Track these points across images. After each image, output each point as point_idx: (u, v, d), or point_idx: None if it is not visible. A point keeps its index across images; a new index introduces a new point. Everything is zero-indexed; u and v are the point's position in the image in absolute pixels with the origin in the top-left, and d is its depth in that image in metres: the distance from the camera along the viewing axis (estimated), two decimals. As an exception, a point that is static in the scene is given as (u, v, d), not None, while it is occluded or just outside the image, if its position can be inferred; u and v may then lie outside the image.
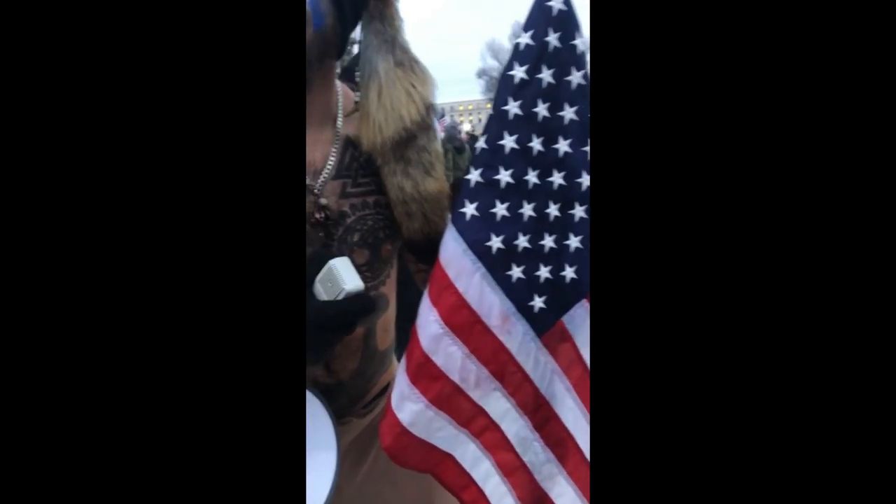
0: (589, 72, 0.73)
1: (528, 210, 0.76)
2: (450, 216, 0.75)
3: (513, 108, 0.72)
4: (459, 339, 0.76)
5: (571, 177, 0.76)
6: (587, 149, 0.75)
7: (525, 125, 0.73)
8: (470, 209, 0.73)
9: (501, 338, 0.78)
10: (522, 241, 0.76)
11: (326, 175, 0.77)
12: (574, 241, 0.78)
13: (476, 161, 0.73)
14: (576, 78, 0.74)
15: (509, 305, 0.77)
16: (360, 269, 0.76)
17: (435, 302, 0.75)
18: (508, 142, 0.73)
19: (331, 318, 0.68)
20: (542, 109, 0.73)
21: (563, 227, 0.78)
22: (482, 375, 0.78)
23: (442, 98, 0.84)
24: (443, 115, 10.62)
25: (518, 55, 0.72)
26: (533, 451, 0.83)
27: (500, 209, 0.74)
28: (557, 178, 0.76)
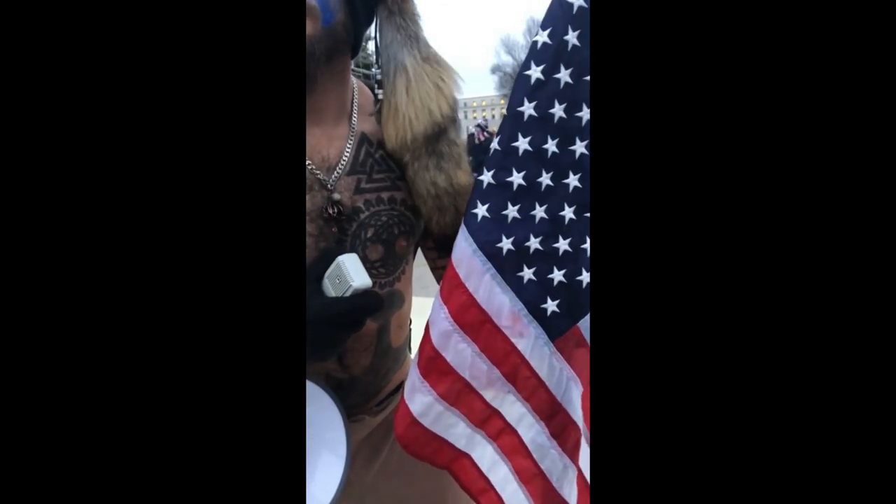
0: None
1: (540, 212, 0.75)
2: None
3: (528, 109, 0.71)
4: (469, 336, 0.77)
5: (587, 179, 0.75)
6: None
7: (540, 127, 0.72)
8: (481, 210, 0.73)
9: (513, 339, 0.78)
10: (534, 243, 0.75)
11: (340, 170, 0.77)
12: (590, 245, 0.76)
13: (489, 162, 0.73)
14: (595, 78, 0.71)
15: (521, 307, 0.77)
16: (374, 265, 0.78)
17: (446, 299, 0.77)
18: (522, 143, 0.72)
19: (338, 316, 0.68)
20: (558, 110, 0.72)
21: (579, 230, 0.76)
22: (494, 376, 0.79)
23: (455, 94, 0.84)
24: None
25: (535, 54, 0.70)
26: (550, 458, 0.82)
27: (512, 211, 0.74)
28: (573, 181, 0.75)
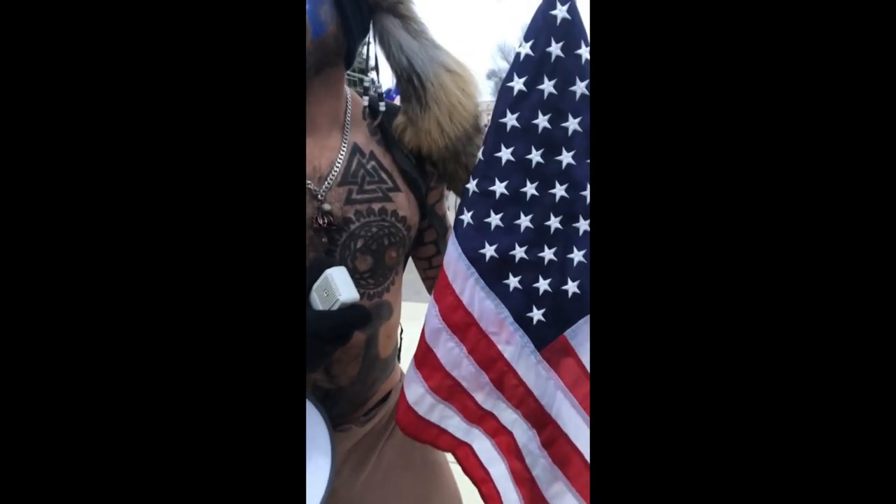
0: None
1: (525, 221, 0.75)
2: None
3: (510, 120, 0.73)
4: (456, 336, 0.81)
5: (575, 189, 0.74)
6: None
7: (523, 137, 0.73)
8: (467, 217, 0.76)
9: (499, 346, 0.80)
10: (519, 252, 0.76)
11: (331, 181, 0.77)
12: (577, 255, 0.75)
13: (475, 171, 0.76)
14: (580, 88, 0.71)
15: (506, 314, 0.79)
16: (363, 275, 0.80)
17: (437, 298, 0.81)
18: (505, 154, 0.74)
19: (325, 330, 0.67)
20: (542, 121, 0.72)
21: (565, 240, 0.76)
22: (482, 381, 0.81)
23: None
24: None
25: (517, 66, 0.72)
26: (541, 467, 0.83)
27: (495, 219, 0.76)
28: (559, 191, 0.74)
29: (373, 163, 0.81)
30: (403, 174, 0.83)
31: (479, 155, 0.75)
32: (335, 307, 0.67)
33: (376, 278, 0.82)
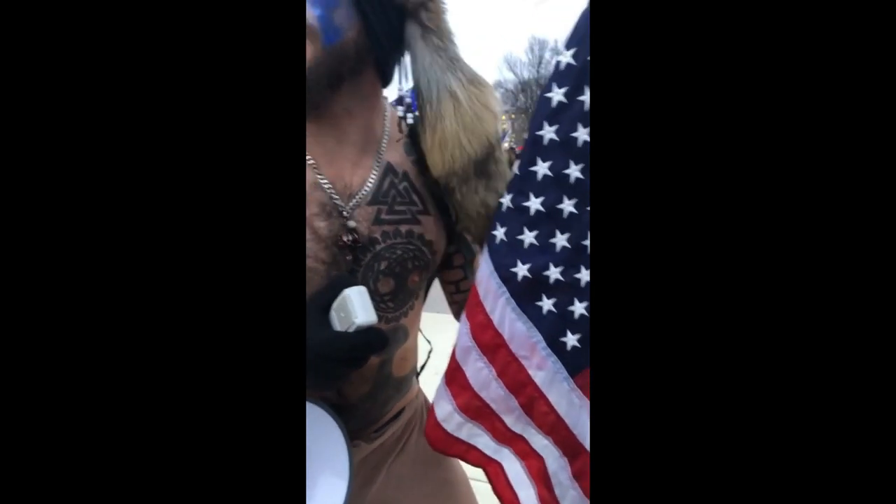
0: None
1: (561, 240, 0.71)
2: None
3: (548, 133, 0.68)
4: (486, 357, 0.77)
5: (616, 209, 0.68)
6: None
7: (562, 151, 0.69)
8: (500, 233, 0.73)
9: (530, 371, 0.76)
10: (554, 273, 0.72)
11: (360, 199, 0.74)
12: (616, 281, 0.70)
13: (510, 185, 0.72)
14: (624, 99, 0.65)
15: (539, 339, 0.74)
16: (383, 298, 0.77)
17: (469, 315, 0.78)
18: (541, 168, 0.69)
19: (338, 352, 0.64)
20: (582, 134, 0.68)
21: (603, 263, 0.70)
22: (512, 405, 0.77)
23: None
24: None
25: (557, 76, 0.67)
26: (570, 499, 0.78)
27: (529, 237, 0.71)
28: (599, 210, 0.69)
29: (405, 183, 0.78)
30: (434, 197, 0.79)
31: (515, 169, 0.72)
32: (351, 329, 0.65)
33: (396, 302, 0.79)
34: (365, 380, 0.81)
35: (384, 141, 0.78)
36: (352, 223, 0.74)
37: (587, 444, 0.76)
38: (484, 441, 0.82)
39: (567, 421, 0.76)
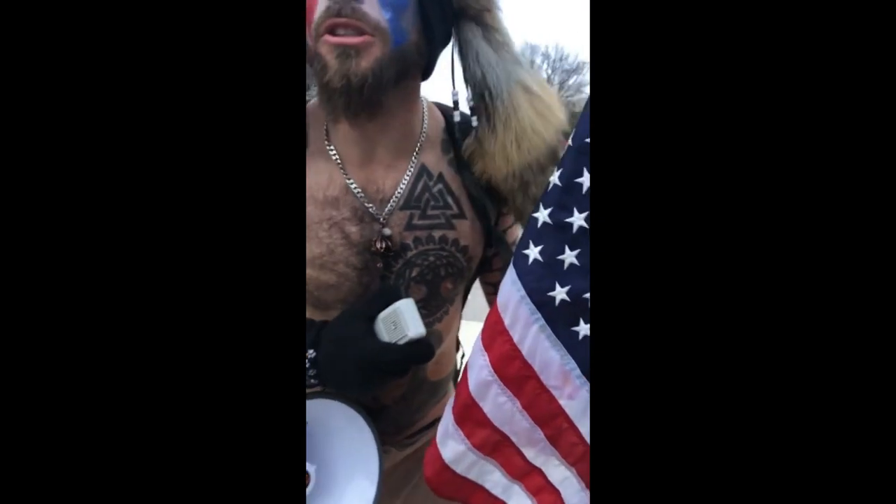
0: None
1: (606, 260, 0.63)
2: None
3: (597, 139, 0.60)
4: (510, 391, 0.68)
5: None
6: None
7: None
8: (533, 252, 0.64)
9: (561, 401, 0.68)
10: (595, 296, 0.64)
11: (393, 204, 0.73)
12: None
13: (546, 198, 0.63)
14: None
15: (573, 366, 0.67)
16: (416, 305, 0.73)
17: (487, 346, 0.68)
18: (587, 180, 0.61)
19: (389, 363, 0.66)
20: (636, 142, 0.60)
21: (650, 284, 0.64)
22: (536, 437, 0.70)
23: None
24: None
25: None
26: None
27: (570, 256, 0.63)
28: (649, 227, 0.62)
29: (440, 186, 0.74)
30: (471, 199, 0.75)
31: (555, 180, 0.62)
32: (401, 342, 0.66)
33: (429, 309, 0.77)
34: (398, 384, 0.80)
35: (421, 140, 0.75)
36: (387, 230, 0.72)
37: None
38: (495, 478, 0.75)
39: None
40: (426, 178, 0.74)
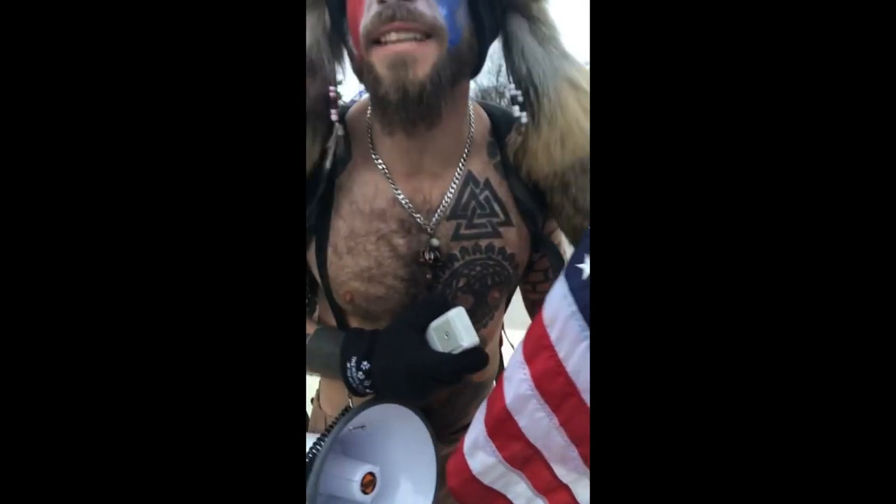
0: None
1: (665, 280, 0.61)
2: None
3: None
4: (549, 406, 0.66)
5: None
6: None
7: None
8: (589, 267, 0.60)
9: None
10: (650, 316, 0.61)
11: (440, 214, 0.70)
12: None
13: None
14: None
15: (618, 385, 0.64)
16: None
17: (529, 359, 0.66)
18: (655, 195, 0.58)
19: (445, 374, 0.65)
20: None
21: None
22: (570, 455, 0.68)
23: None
24: None
25: None
26: None
27: (628, 274, 0.60)
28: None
29: (486, 193, 0.72)
30: (518, 204, 0.73)
31: None
32: (456, 351, 0.66)
33: (475, 317, 0.74)
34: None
35: (468, 145, 0.72)
36: (435, 241, 0.70)
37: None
38: (519, 489, 0.74)
39: None
40: (472, 186, 0.72)
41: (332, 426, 0.70)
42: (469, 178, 0.72)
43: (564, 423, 0.66)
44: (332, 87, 0.67)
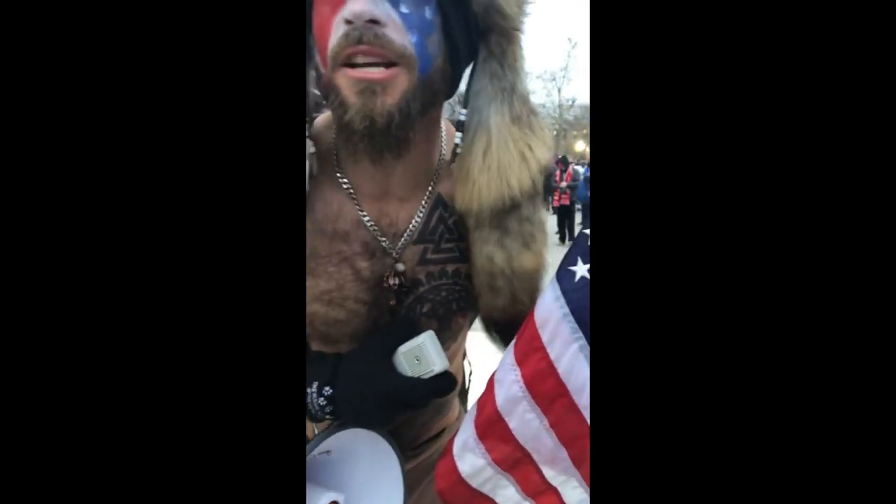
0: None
1: (655, 283, 0.62)
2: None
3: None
4: (540, 407, 0.67)
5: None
6: None
7: None
8: (582, 269, 0.62)
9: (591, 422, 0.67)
10: (640, 318, 0.63)
11: (407, 238, 0.68)
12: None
13: None
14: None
15: (607, 387, 0.65)
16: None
17: (520, 361, 0.66)
18: (646, 200, 0.59)
19: (415, 398, 0.64)
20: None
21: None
22: (560, 456, 0.68)
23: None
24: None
25: None
26: None
27: (619, 277, 0.61)
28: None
29: (455, 217, 0.69)
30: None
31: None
32: (426, 376, 0.65)
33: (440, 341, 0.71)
34: None
35: (439, 168, 0.70)
36: (400, 266, 0.68)
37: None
38: (508, 493, 0.74)
39: None
40: (441, 210, 0.70)
41: None
42: (438, 202, 0.69)
43: (554, 424, 0.67)
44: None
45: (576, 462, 0.69)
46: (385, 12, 0.55)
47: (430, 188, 0.69)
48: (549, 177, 0.69)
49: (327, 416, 0.67)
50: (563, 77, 24.63)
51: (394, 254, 0.68)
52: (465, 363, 0.90)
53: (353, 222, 0.67)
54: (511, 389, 0.66)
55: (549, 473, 0.71)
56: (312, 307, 0.68)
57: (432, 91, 0.60)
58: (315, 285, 0.67)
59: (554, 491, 0.73)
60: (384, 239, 0.68)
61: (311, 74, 0.65)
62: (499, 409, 0.68)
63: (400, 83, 0.56)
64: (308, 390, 0.66)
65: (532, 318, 0.66)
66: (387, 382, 0.63)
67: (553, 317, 0.63)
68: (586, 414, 0.67)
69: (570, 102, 25.29)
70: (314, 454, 0.68)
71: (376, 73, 0.55)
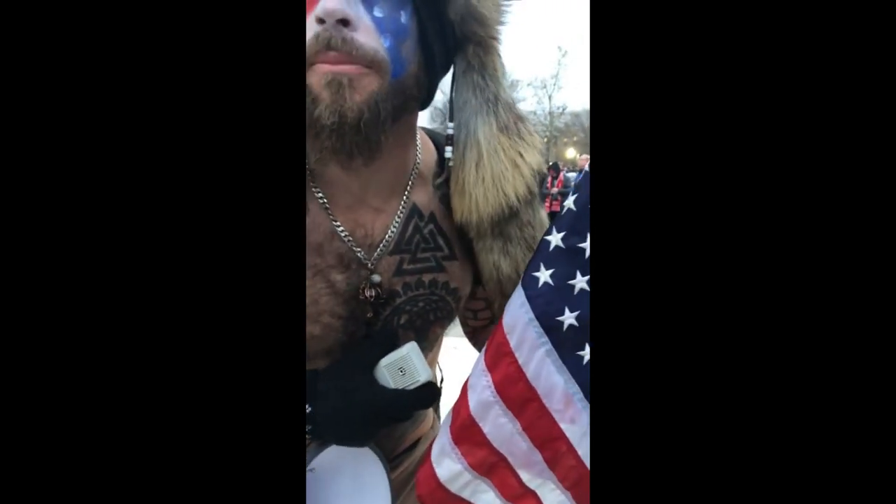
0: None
1: (616, 287, 0.63)
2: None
3: (615, 166, 0.60)
4: (511, 412, 0.68)
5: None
6: None
7: None
8: (544, 275, 0.63)
9: (562, 424, 0.68)
10: (603, 321, 0.64)
11: (383, 249, 0.68)
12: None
13: (560, 222, 0.63)
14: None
15: (576, 390, 0.67)
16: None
17: (490, 366, 0.68)
18: (603, 205, 0.61)
19: (399, 410, 0.65)
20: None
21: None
22: (534, 459, 0.70)
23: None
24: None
25: None
26: None
27: (580, 281, 0.63)
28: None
29: (431, 226, 0.70)
30: (462, 238, 0.70)
31: (569, 204, 0.62)
32: (411, 387, 0.65)
33: None
34: None
35: (413, 178, 0.69)
36: (376, 277, 0.67)
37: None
38: (488, 498, 0.75)
39: None
40: (417, 219, 0.69)
41: None
42: (414, 211, 0.69)
43: (527, 428, 0.68)
44: None
45: (550, 464, 0.70)
46: (357, 14, 0.55)
47: (404, 197, 0.69)
48: (540, 183, 0.70)
49: (307, 435, 0.67)
50: (554, 85, 24.81)
51: (369, 265, 0.67)
52: (437, 370, 0.90)
53: (326, 234, 0.66)
54: (483, 394, 0.68)
55: (525, 477, 0.72)
56: None
57: (405, 96, 0.60)
58: None
59: (533, 494, 0.73)
60: (359, 250, 0.66)
61: None
62: (472, 413, 0.69)
63: (369, 83, 0.56)
64: None
65: (501, 323, 0.67)
66: (370, 398, 0.63)
67: (520, 322, 0.65)
68: (557, 417, 0.68)
69: (560, 110, 25.47)
70: None
71: (346, 66, 0.55)
